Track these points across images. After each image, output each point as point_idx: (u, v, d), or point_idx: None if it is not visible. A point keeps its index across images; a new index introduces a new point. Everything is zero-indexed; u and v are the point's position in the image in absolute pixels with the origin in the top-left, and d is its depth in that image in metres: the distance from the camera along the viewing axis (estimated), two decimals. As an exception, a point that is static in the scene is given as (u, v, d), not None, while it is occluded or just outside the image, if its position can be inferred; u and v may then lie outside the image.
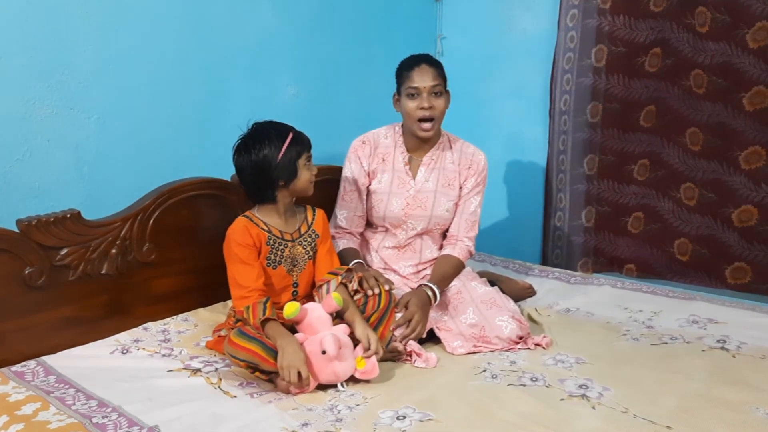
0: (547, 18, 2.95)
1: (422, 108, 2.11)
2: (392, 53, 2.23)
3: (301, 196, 1.94)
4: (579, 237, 2.96)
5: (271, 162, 1.84)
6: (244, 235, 1.87)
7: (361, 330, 1.78)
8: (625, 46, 2.73)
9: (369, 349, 1.75)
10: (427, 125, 2.14)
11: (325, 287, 1.92)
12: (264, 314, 1.72)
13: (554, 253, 3.06)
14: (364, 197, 2.26)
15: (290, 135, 1.86)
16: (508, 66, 3.15)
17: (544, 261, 3.07)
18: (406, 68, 2.15)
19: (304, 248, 1.97)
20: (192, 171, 2.19)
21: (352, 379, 1.73)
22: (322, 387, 1.70)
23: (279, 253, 1.92)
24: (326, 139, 2.28)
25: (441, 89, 2.13)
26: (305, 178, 1.89)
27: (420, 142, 2.23)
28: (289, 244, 1.94)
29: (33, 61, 1.89)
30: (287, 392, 1.66)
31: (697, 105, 2.60)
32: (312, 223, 2.01)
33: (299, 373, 1.63)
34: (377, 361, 1.75)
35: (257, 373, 1.70)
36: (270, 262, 1.91)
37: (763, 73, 2.41)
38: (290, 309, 1.75)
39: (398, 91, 2.18)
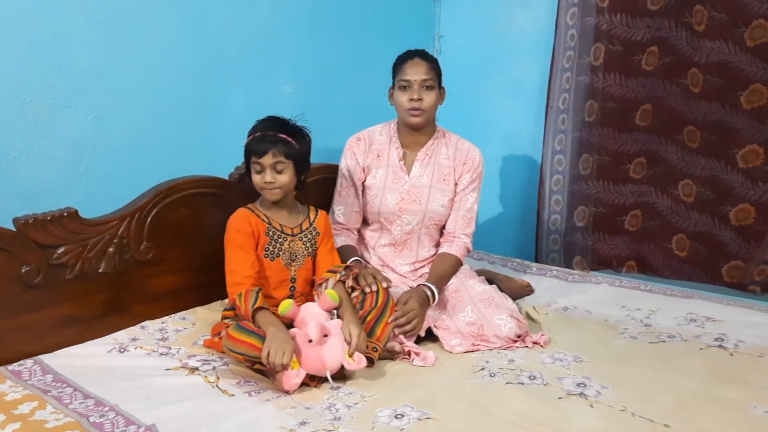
0: (546, 16, 2.95)
1: (412, 99, 2.14)
2: (390, 52, 2.24)
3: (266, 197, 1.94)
4: (573, 237, 2.96)
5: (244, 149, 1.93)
6: (244, 223, 1.89)
7: (345, 325, 1.78)
8: (622, 44, 2.73)
9: (351, 343, 1.74)
10: (416, 111, 2.16)
11: (324, 285, 1.93)
12: (256, 303, 1.73)
13: (550, 256, 3.05)
14: (360, 193, 2.28)
15: (253, 135, 1.88)
16: (506, 64, 3.15)
17: (537, 260, 3.07)
18: (400, 61, 2.20)
19: (304, 244, 1.98)
20: (190, 169, 2.19)
21: (349, 377, 1.73)
22: (321, 382, 1.69)
23: (278, 245, 1.93)
24: (324, 138, 2.28)
25: (433, 84, 2.16)
26: (253, 180, 1.91)
27: (414, 135, 2.24)
28: (289, 237, 1.96)
29: (30, 59, 1.89)
30: (281, 388, 1.65)
31: (694, 103, 2.60)
32: (314, 221, 2.03)
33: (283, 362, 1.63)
34: (361, 350, 1.75)
35: (257, 366, 1.69)
36: (268, 253, 1.92)
37: (760, 71, 2.42)
38: (284, 306, 1.77)
39: (393, 85, 2.22)
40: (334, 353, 1.70)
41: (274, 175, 1.87)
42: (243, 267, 1.84)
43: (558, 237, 3.01)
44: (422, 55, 2.19)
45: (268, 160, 1.86)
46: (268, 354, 1.61)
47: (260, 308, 1.74)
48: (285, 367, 1.64)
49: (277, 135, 1.87)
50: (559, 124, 2.93)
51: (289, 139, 1.88)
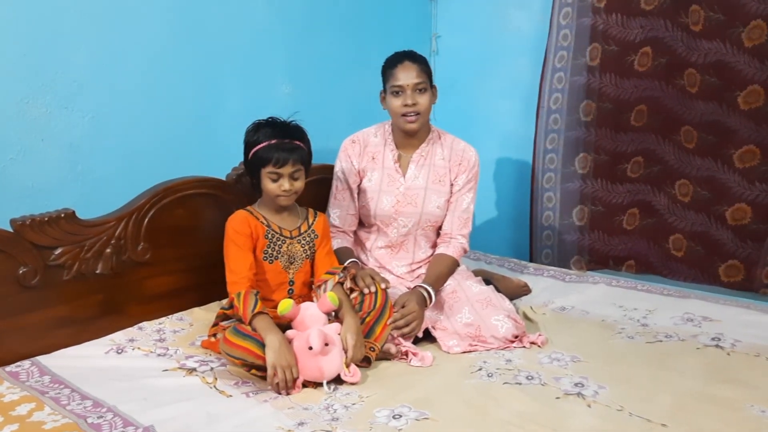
0: (542, 17, 2.95)
1: (406, 105, 2.11)
2: (387, 52, 2.23)
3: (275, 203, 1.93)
4: (571, 235, 2.97)
5: (246, 153, 1.90)
6: (242, 225, 1.89)
7: (344, 331, 1.78)
8: (618, 44, 2.73)
9: (347, 354, 1.74)
10: (411, 117, 2.13)
11: (322, 287, 1.93)
12: (255, 307, 1.72)
13: (544, 252, 3.06)
14: (356, 195, 2.27)
15: (265, 143, 1.84)
16: (502, 65, 3.15)
17: (532, 258, 3.08)
18: (390, 66, 2.16)
19: (303, 247, 1.98)
20: (187, 170, 2.18)
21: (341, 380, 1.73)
22: (318, 385, 1.69)
23: (276, 248, 1.93)
24: (321, 138, 2.27)
25: (425, 86, 2.13)
26: (267, 188, 1.88)
27: (409, 137, 2.23)
28: (288, 240, 1.95)
29: (26, 59, 1.88)
30: (276, 390, 1.65)
31: (691, 104, 2.61)
32: (312, 224, 2.02)
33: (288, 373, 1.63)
34: (356, 362, 1.75)
35: (253, 371, 1.70)
36: (267, 255, 1.92)
37: (757, 72, 2.42)
38: (284, 305, 1.76)
39: (384, 89, 2.19)
40: (332, 363, 1.70)
41: (292, 183, 1.87)
42: (241, 267, 1.84)
43: (551, 233, 3.02)
44: (411, 57, 2.14)
45: (288, 169, 1.84)
46: (275, 375, 1.62)
47: (259, 313, 1.73)
48: (294, 383, 1.64)
49: (293, 143, 1.86)
50: (551, 123, 2.93)
51: (302, 145, 1.88)
